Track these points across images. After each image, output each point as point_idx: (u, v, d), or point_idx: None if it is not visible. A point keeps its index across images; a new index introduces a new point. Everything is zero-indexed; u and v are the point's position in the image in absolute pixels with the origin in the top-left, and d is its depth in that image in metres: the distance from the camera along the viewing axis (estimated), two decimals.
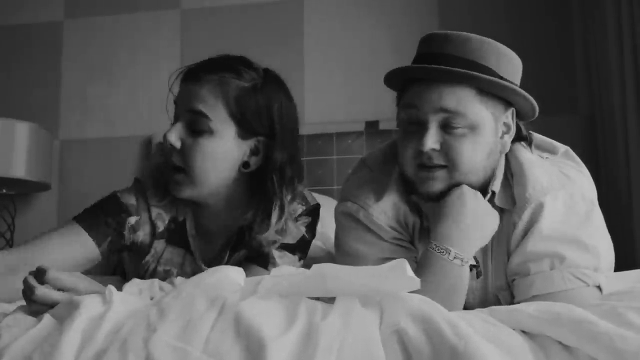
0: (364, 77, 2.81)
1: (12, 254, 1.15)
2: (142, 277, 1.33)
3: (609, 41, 2.30)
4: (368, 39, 2.85)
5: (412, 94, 1.16)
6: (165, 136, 1.22)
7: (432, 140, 1.13)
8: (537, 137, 1.33)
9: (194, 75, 1.24)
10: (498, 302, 1.21)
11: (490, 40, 1.16)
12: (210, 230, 1.34)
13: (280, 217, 1.25)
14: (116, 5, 3.08)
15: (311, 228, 1.36)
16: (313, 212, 1.36)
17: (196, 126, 1.22)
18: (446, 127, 1.13)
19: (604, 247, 1.18)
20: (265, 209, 1.26)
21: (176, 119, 1.26)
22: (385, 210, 1.23)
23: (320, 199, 2.30)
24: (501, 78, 1.14)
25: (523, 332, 0.85)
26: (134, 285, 1.23)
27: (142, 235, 1.32)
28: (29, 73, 3.09)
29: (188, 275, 1.35)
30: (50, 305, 0.89)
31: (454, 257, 1.11)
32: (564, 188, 1.17)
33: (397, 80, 1.21)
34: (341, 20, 2.89)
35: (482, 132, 1.14)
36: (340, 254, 1.29)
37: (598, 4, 2.40)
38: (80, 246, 1.22)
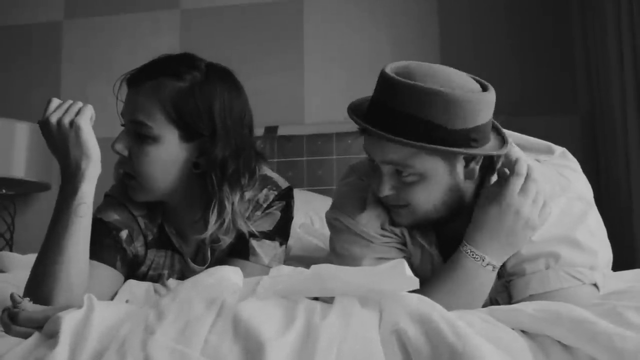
0: (364, 77, 2.80)
1: None
2: None
3: (609, 41, 2.30)
4: (368, 39, 2.85)
5: (365, 142, 1.18)
6: (112, 146, 1.23)
7: (386, 188, 1.15)
8: (532, 140, 1.32)
9: (133, 82, 1.25)
10: (496, 304, 1.21)
11: (440, 89, 1.08)
12: (182, 228, 1.35)
13: (220, 215, 1.24)
14: (116, 5, 3.08)
15: (287, 211, 1.36)
16: (286, 195, 1.36)
17: (139, 134, 1.22)
18: (398, 174, 1.15)
19: (600, 245, 1.18)
20: (210, 208, 1.26)
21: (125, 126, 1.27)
22: (370, 220, 1.24)
23: (320, 199, 2.31)
24: (449, 131, 1.09)
25: (523, 331, 0.85)
26: (128, 289, 1.23)
27: (139, 246, 1.33)
28: (29, 73, 3.09)
29: (178, 274, 1.36)
30: (36, 327, 0.89)
31: (487, 264, 1.12)
32: (564, 193, 1.17)
33: None
34: (341, 20, 2.89)
35: (433, 178, 1.14)
36: (335, 256, 1.29)
37: (597, 4, 2.40)
38: (106, 278, 1.24)
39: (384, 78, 1.14)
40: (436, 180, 1.14)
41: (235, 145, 1.25)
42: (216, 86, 1.25)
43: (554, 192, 1.16)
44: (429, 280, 1.17)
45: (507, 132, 1.25)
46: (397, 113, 1.10)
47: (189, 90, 1.22)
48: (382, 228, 1.24)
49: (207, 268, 1.31)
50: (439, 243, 1.25)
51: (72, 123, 1.09)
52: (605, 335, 0.77)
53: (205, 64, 1.28)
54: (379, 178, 1.16)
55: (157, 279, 1.35)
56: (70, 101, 1.13)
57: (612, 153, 2.30)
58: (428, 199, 1.16)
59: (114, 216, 1.31)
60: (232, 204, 1.25)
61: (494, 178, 1.19)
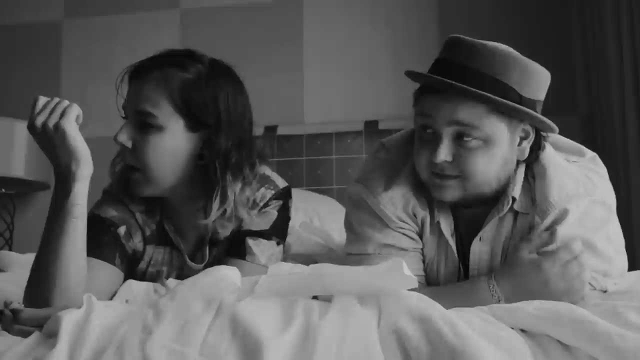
0: (364, 77, 2.81)
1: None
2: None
3: (608, 42, 2.30)
4: (367, 39, 2.85)
5: (427, 104, 1.14)
6: (115, 137, 1.23)
7: (445, 153, 1.12)
8: (564, 139, 1.32)
9: (138, 74, 1.25)
10: None
11: (516, 55, 1.14)
12: (181, 226, 1.35)
13: (223, 202, 1.24)
14: (116, 5, 3.08)
15: (284, 210, 1.36)
16: (283, 195, 1.36)
17: (144, 124, 1.22)
18: (460, 139, 1.12)
19: (617, 254, 1.18)
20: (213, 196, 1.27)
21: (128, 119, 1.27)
22: (393, 199, 1.23)
23: (320, 198, 2.31)
24: (521, 97, 1.12)
25: (522, 331, 0.84)
26: (127, 289, 1.23)
27: (137, 241, 1.33)
28: (28, 73, 3.09)
29: (178, 271, 1.36)
30: (37, 326, 0.89)
31: (498, 300, 1.12)
32: (588, 195, 1.17)
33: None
34: (341, 20, 2.89)
35: (496, 144, 1.13)
36: (347, 230, 1.31)
37: (597, 5, 2.40)
38: (105, 275, 1.24)
39: (460, 40, 1.15)
40: (498, 149, 1.13)
41: (237, 137, 1.26)
42: (220, 80, 1.27)
43: (577, 193, 1.16)
44: (438, 288, 1.17)
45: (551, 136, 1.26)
46: (474, 72, 1.11)
47: (195, 81, 1.23)
48: (405, 210, 1.23)
49: (205, 266, 1.32)
50: (455, 235, 1.25)
51: (57, 126, 1.07)
52: (605, 335, 0.77)
53: (209, 59, 1.30)
54: (435, 143, 1.13)
55: (155, 275, 1.35)
56: (56, 100, 1.10)
57: (612, 154, 2.30)
58: (486, 169, 1.13)
59: (111, 212, 1.31)
60: (234, 193, 1.25)
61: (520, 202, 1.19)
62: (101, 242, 1.26)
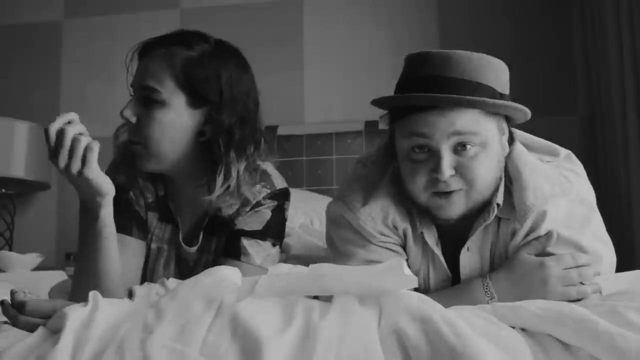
0: (364, 77, 2.81)
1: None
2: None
3: (609, 42, 2.30)
4: (368, 39, 2.85)
5: (419, 123, 1.11)
6: (121, 113, 1.25)
7: (449, 168, 1.10)
8: (537, 139, 1.32)
9: (145, 52, 1.28)
10: None
11: (485, 55, 1.15)
12: (182, 206, 1.36)
13: (226, 178, 1.26)
14: (116, 5, 3.08)
15: (279, 211, 1.35)
16: (279, 196, 1.35)
17: (148, 100, 1.24)
18: (458, 150, 1.11)
19: (604, 250, 1.18)
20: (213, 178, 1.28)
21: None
22: (372, 214, 1.22)
23: (320, 198, 2.31)
24: (501, 94, 1.14)
25: (522, 330, 0.84)
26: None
27: (142, 205, 1.36)
28: (28, 73, 3.09)
29: (175, 251, 1.37)
30: (42, 318, 0.90)
31: (491, 299, 1.13)
32: (565, 194, 1.17)
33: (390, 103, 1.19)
34: (341, 20, 2.89)
35: (490, 145, 1.13)
36: (329, 247, 1.31)
37: (597, 4, 2.40)
38: (132, 249, 1.30)
39: (427, 54, 1.15)
40: (492, 150, 1.14)
41: (240, 114, 1.28)
42: (224, 58, 1.30)
43: (553, 193, 1.16)
44: (431, 294, 1.17)
45: (514, 130, 1.26)
46: (459, 82, 1.11)
47: (198, 59, 1.26)
48: (384, 223, 1.22)
49: (197, 250, 1.34)
50: (439, 243, 1.24)
51: (80, 173, 1.09)
52: (607, 334, 0.77)
53: (215, 39, 1.33)
54: (434, 161, 1.11)
55: (157, 253, 1.36)
56: (71, 132, 1.08)
57: (612, 154, 2.30)
58: (487, 173, 1.13)
59: (120, 177, 1.33)
60: (238, 171, 1.27)
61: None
62: (119, 214, 1.26)
